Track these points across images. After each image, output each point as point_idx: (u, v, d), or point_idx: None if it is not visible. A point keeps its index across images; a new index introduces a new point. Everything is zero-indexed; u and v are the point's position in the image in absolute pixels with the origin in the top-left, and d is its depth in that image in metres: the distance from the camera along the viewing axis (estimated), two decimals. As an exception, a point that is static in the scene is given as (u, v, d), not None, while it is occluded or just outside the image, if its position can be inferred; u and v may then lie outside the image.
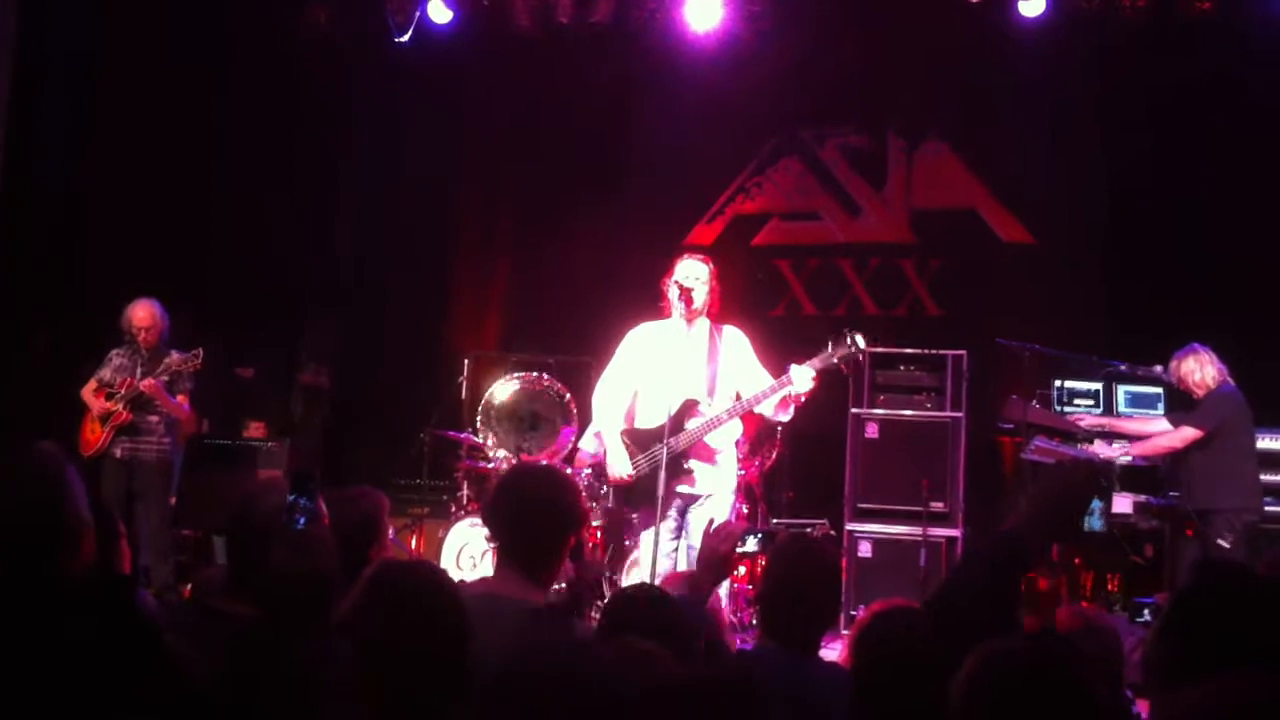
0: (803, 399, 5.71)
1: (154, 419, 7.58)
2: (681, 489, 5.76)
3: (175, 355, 7.51)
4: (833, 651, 4.31)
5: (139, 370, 7.60)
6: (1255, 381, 7.14)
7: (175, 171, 9.22)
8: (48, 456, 2.86)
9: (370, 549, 3.50)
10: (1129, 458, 7.29)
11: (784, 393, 5.64)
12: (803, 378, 5.59)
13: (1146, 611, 6.69)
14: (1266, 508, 7.20)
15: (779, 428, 7.69)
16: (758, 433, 7.40)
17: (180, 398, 7.58)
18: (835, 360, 5.68)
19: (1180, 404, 7.62)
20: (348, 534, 3.29)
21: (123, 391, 7.53)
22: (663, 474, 5.50)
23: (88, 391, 7.65)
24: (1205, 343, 7.09)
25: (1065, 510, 2.72)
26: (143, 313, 7.68)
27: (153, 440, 7.58)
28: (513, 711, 1.95)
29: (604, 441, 5.97)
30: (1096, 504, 7.09)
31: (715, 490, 5.81)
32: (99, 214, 9.14)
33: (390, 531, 3.73)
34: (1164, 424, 7.35)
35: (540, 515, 3.22)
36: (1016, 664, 2.09)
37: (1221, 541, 6.69)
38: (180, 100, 9.08)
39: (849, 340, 5.67)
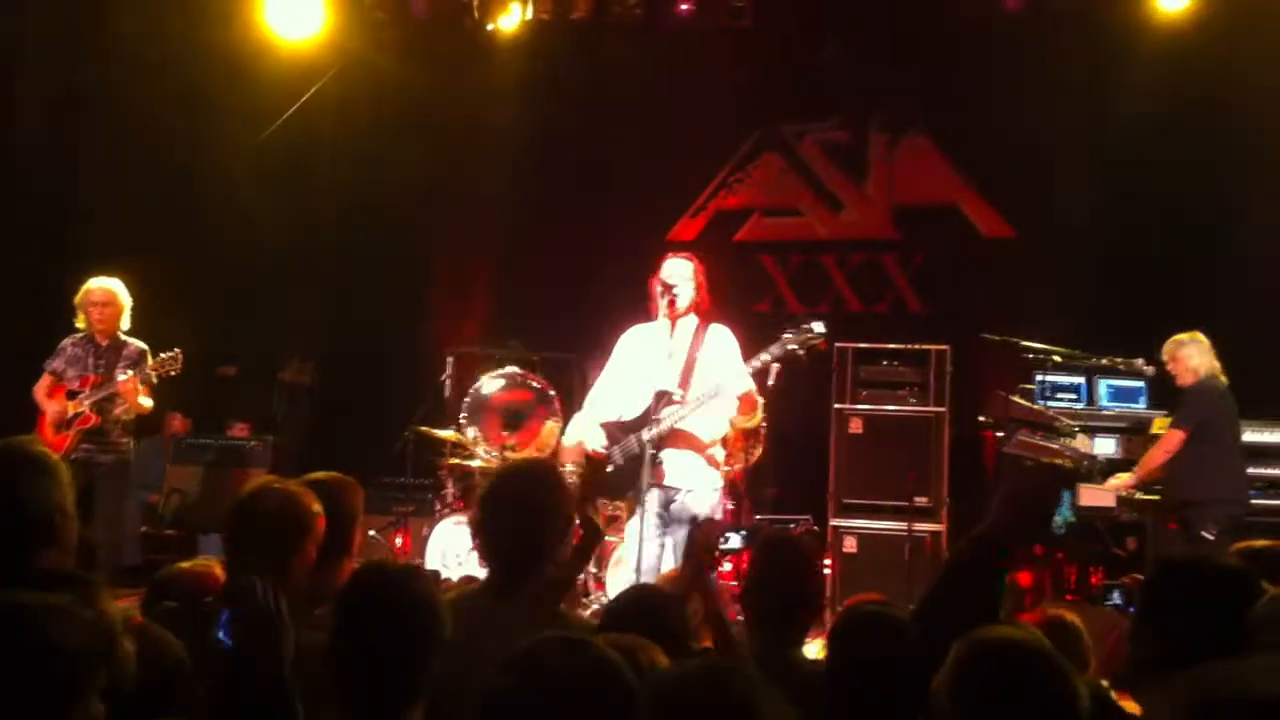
0: (752, 403, 5.71)
1: (109, 420, 7.01)
2: (662, 481, 5.75)
3: (133, 346, 6.99)
4: (817, 646, 4.32)
5: (93, 363, 7.01)
6: (1236, 375, 7.16)
7: (157, 168, 9.19)
8: (21, 453, 2.87)
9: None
10: (1132, 491, 7.23)
11: (727, 399, 5.64)
12: (731, 383, 5.60)
13: (1116, 594, 6.75)
14: (1257, 500, 7.20)
15: (763, 424, 7.70)
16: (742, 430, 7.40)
17: (143, 390, 7.00)
18: (791, 348, 5.63)
19: (1162, 398, 7.67)
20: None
21: (87, 390, 6.94)
22: (646, 469, 5.51)
23: (41, 389, 7.06)
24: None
25: (1032, 512, 2.75)
26: (100, 290, 7.04)
27: (109, 441, 7.02)
28: (512, 708, 1.97)
29: (579, 424, 6.01)
30: (1065, 496, 7.09)
31: (698, 484, 5.79)
32: (82, 213, 9.10)
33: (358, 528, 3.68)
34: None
35: (532, 515, 3.21)
36: (998, 655, 2.11)
37: (1206, 534, 6.70)
38: (159, 99, 9.03)
39: (805, 325, 5.64)
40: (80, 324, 7.12)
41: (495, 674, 2.01)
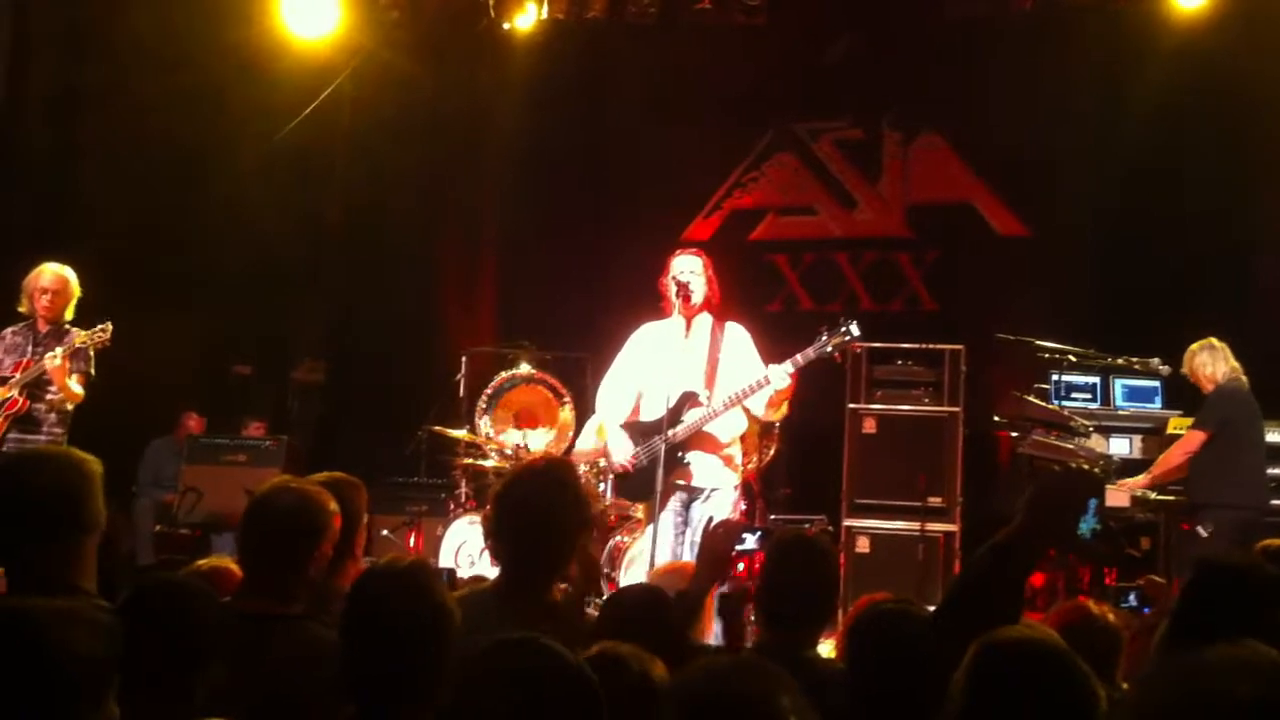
0: (788, 395, 5.71)
1: (41, 406, 6.59)
2: (681, 481, 5.75)
3: (75, 332, 6.56)
4: (827, 645, 4.31)
5: (31, 349, 6.59)
6: (1254, 375, 7.13)
7: (167, 166, 9.17)
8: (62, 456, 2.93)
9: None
10: (1146, 491, 7.19)
11: (766, 392, 5.63)
12: (778, 375, 5.58)
13: (1132, 596, 6.73)
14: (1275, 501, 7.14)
15: (776, 424, 7.70)
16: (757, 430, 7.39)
17: (76, 379, 6.55)
18: (829, 349, 5.65)
19: (1177, 399, 7.63)
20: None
21: (17, 375, 6.53)
22: (660, 469, 5.51)
23: None
24: (1203, 335, 7.09)
25: (1059, 518, 2.73)
26: (52, 275, 6.62)
27: (42, 431, 6.59)
28: (469, 708, 1.97)
29: (604, 433, 5.98)
30: (1091, 503, 7.06)
31: (719, 485, 5.81)
32: (90, 212, 9.09)
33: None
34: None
35: (549, 519, 3.21)
36: (1017, 655, 2.10)
37: (1200, 529, 6.70)
38: (170, 97, 9.01)
39: (843, 328, 5.66)
40: (23, 309, 6.72)
41: (456, 673, 2.02)
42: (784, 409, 5.88)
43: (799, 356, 5.63)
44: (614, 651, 2.36)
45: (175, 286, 8.89)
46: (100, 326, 6.55)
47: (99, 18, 8.96)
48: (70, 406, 6.65)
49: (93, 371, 6.65)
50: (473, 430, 8.44)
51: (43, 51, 8.93)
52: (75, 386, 6.55)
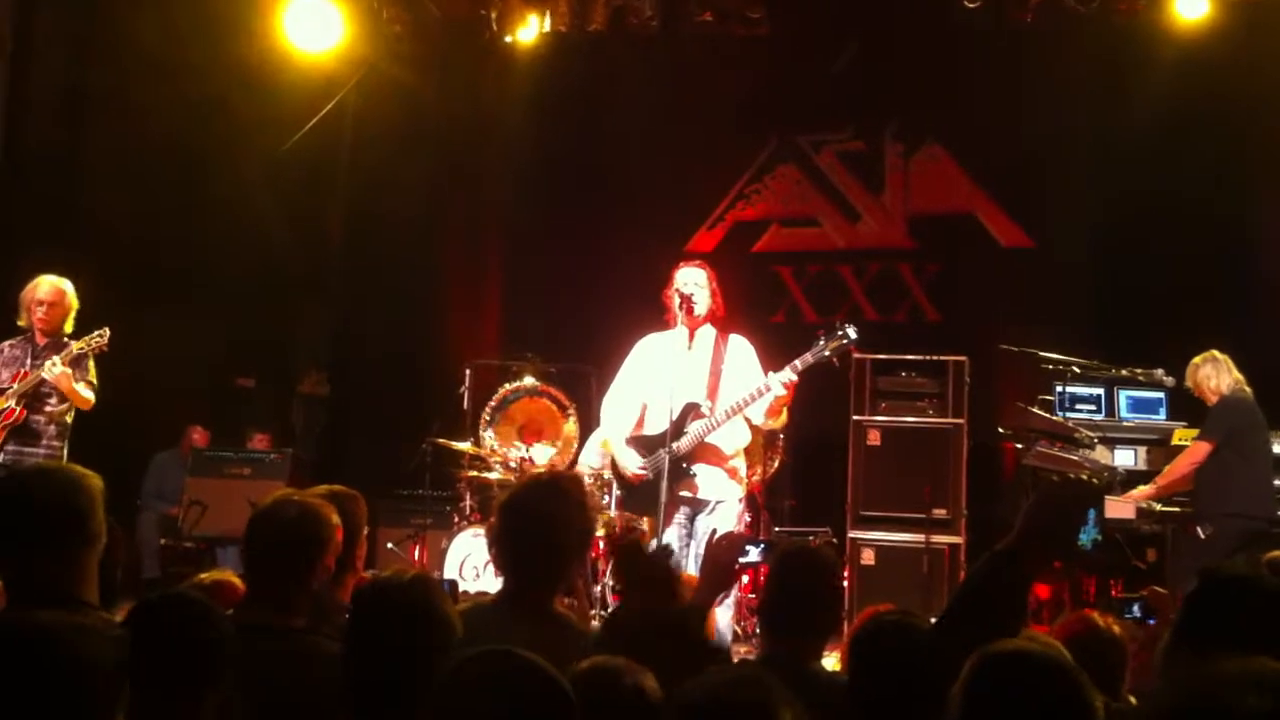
0: (787, 401, 5.71)
1: (40, 419, 6.50)
2: (686, 494, 5.75)
3: (73, 345, 6.46)
4: (833, 658, 4.30)
5: (30, 362, 6.51)
6: (1256, 384, 7.12)
7: (170, 177, 9.17)
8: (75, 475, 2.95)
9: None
10: (1152, 503, 7.18)
11: (766, 399, 5.63)
12: (777, 382, 5.59)
13: (1136, 608, 6.72)
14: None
15: (780, 436, 7.69)
16: (761, 442, 7.39)
17: (83, 386, 6.50)
18: (827, 353, 5.64)
19: (1181, 410, 7.62)
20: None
21: (14, 385, 6.45)
22: (665, 481, 5.51)
23: None
24: (1206, 346, 7.09)
25: (1058, 528, 2.72)
26: (49, 287, 6.55)
27: (41, 444, 6.51)
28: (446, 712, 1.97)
29: (610, 447, 5.98)
30: (1090, 514, 7.05)
31: (724, 497, 5.80)
32: (92, 221, 9.09)
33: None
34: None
35: (552, 529, 3.21)
36: (1012, 667, 2.10)
37: (1200, 530, 6.69)
38: (175, 108, 9.03)
39: (840, 332, 5.66)
40: (22, 322, 6.66)
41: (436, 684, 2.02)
42: (784, 417, 5.88)
43: (797, 362, 5.63)
44: (607, 665, 2.35)
45: (178, 296, 8.88)
46: (97, 332, 6.50)
47: (103, 24, 8.97)
48: (70, 418, 6.62)
49: (95, 381, 6.60)
50: (477, 443, 8.44)
51: (46, 56, 8.93)
52: (85, 392, 6.49)
